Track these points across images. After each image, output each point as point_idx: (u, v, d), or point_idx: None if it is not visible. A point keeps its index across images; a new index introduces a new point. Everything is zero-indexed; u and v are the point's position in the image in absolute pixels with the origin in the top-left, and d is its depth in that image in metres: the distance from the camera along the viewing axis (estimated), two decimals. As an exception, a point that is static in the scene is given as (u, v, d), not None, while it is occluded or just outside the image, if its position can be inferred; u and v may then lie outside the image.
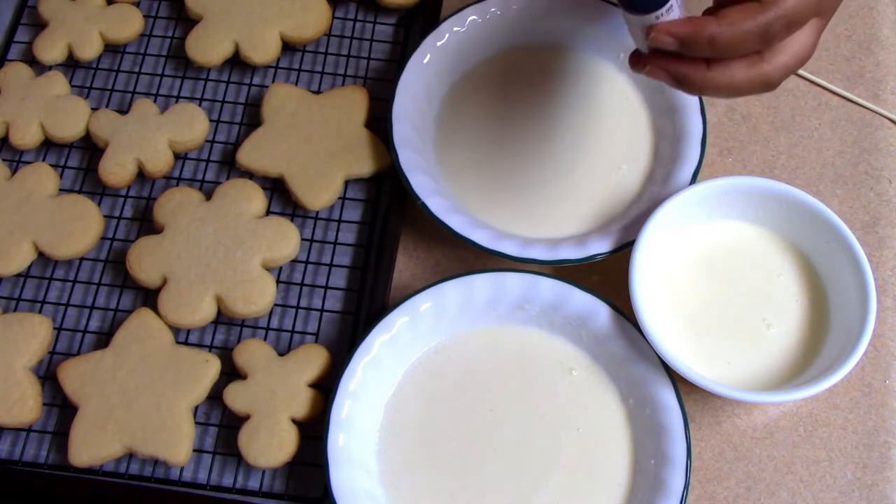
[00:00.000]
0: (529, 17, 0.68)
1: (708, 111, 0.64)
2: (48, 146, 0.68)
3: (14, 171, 0.65)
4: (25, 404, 0.58)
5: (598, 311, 0.58)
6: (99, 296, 0.63)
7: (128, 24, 0.70)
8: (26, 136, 0.66)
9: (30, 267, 0.63)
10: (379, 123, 0.65)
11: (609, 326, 0.57)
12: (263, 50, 0.68)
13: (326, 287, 0.63)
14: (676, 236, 0.60)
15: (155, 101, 0.68)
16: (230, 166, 0.66)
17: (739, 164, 0.66)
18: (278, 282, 0.62)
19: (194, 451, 0.58)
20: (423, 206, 0.60)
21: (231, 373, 0.59)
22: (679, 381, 0.55)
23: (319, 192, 0.63)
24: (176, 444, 0.56)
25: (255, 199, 0.63)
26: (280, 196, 0.65)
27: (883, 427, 0.58)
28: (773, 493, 0.56)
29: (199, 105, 0.68)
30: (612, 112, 0.66)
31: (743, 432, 0.58)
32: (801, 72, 0.68)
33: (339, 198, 0.65)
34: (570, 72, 0.68)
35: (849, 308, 0.56)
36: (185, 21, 0.71)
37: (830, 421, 0.58)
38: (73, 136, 0.66)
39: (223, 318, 0.61)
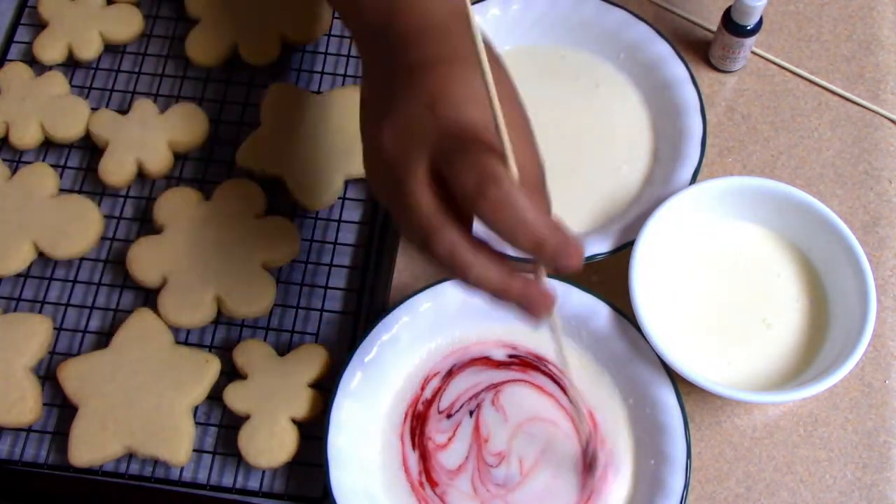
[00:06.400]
0: (529, 17, 0.68)
1: (708, 111, 0.64)
2: (48, 146, 0.68)
3: (14, 171, 0.65)
4: (25, 404, 0.58)
5: (598, 311, 0.58)
6: (99, 296, 0.63)
7: (128, 24, 0.70)
8: (26, 136, 0.66)
9: (30, 267, 0.63)
10: (379, 123, 0.65)
11: (609, 326, 0.57)
12: (263, 50, 0.68)
13: (326, 287, 0.63)
14: (676, 236, 0.60)
15: (155, 101, 0.68)
16: (230, 166, 0.66)
17: (739, 164, 0.66)
18: (278, 282, 0.62)
19: (194, 451, 0.58)
20: (423, 206, 0.60)
21: (231, 373, 0.59)
22: (679, 381, 0.55)
23: (319, 192, 0.63)
24: (176, 444, 0.56)
25: (255, 199, 0.63)
26: (280, 196, 0.65)
27: (883, 427, 0.58)
28: (773, 493, 0.56)
29: (199, 105, 0.67)
30: (612, 112, 0.66)
31: (743, 432, 0.58)
32: (801, 72, 0.68)
33: (339, 198, 0.65)
34: (570, 72, 0.68)
35: (849, 308, 0.56)
36: (185, 21, 0.71)
37: (830, 421, 0.58)
38: (73, 136, 0.66)
39: (223, 318, 0.61)
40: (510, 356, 0.58)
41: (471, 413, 0.57)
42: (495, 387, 0.58)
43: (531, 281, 0.42)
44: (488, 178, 0.39)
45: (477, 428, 0.57)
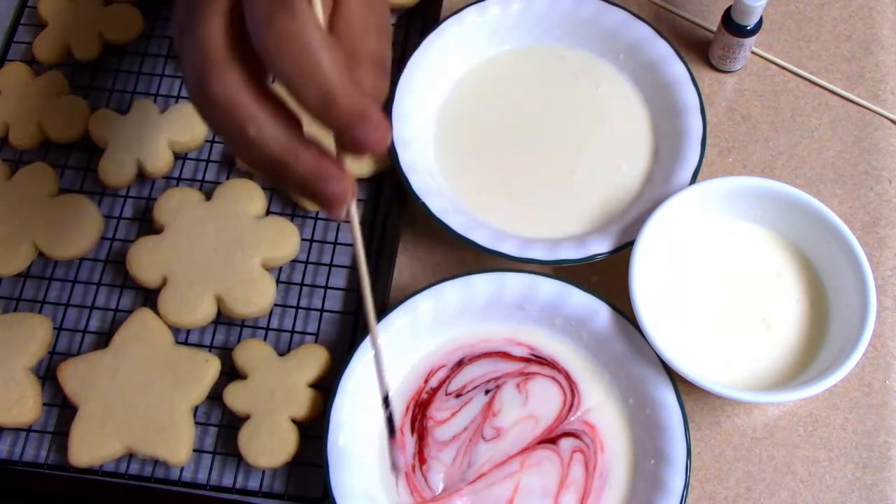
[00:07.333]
0: (529, 17, 0.68)
1: (708, 111, 0.64)
2: (48, 146, 0.68)
3: (14, 171, 0.65)
4: (25, 404, 0.58)
5: (598, 311, 0.58)
6: (99, 296, 0.63)
7: (128, 24, 0.70)
8: (26, 136, 0.66)
9: (30, 267, 0.63)
10: (379, 123, 0.65)
11: (609, 326, 0.57)
12: (263, 50, 0.68)
13: (326, 287, 0.63)
14: (676, 236, 0.60)
15: (155, 101, 0.68)
16: (230, 166, 0.66)
17: (739, 164, 0.66)
18: (278, 282, 0.62)
19: (194, 451, 0.58)
20: (423, 206, 0.60)
21: (231, 373, 0.59)
22: (679, 381, 0.55)
23: (319, 192, 0.63)
24: (176, 444, 0.56)
25: (255, 199, 0.63)
26: (280, 196, 0.65)
27: (883, 427, 0.58)
28: (773, 493, 0.56)
29: (199, 105, 0.67)
30: (612, 112, 0.66)
31: (743, 432, 0.58)
32: (801, 72, 0.68)
33: (339, 198, 0.65)
34: (570, 72, 0.68)
35: (849, 308, 0.56)
36: (185, 21, 0.71)
37: (830, 421, 0.58)
38: (73, 136, 0.66)
39: (223, 318, 0.61)
40: (532, 355, 0.58)
41: (487, 392, 0.57)
42: (525, 374, 0.58)
43: (328, 154, 0.34)
44: (280, 4, 0.31)
45: (490, 403, 0.57)
